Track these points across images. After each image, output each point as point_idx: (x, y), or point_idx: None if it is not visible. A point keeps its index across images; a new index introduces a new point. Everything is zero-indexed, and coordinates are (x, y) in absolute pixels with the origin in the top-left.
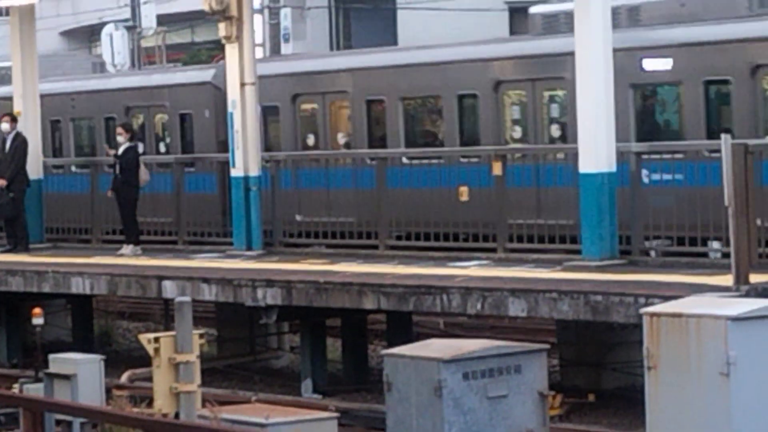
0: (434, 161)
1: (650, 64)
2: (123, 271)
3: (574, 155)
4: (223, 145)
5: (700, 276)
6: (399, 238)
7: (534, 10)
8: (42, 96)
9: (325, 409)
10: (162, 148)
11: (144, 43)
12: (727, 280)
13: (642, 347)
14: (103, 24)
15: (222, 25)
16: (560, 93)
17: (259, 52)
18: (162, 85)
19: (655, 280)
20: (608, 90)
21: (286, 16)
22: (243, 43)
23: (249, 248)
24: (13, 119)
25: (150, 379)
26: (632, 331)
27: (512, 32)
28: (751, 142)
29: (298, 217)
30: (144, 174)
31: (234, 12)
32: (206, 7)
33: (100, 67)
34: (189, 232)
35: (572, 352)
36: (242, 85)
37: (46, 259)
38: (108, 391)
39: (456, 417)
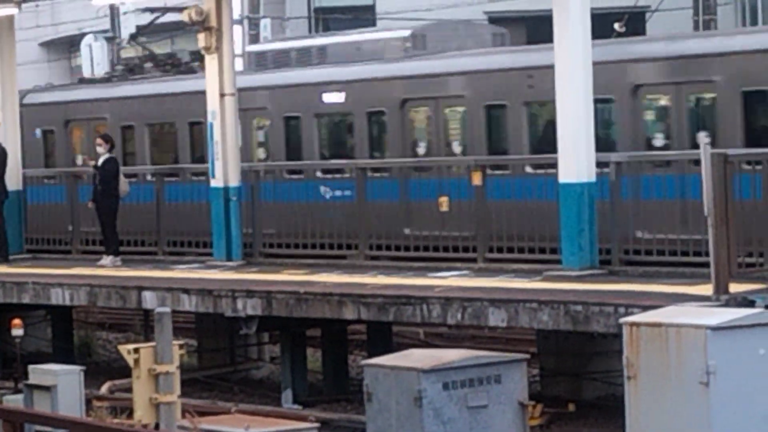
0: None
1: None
2: (103, 281)
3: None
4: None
5: (679, 286)
6: (379, 248)
7: None
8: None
9: (305, 419)
10: None
11: (123, 54)
12: (707, 289)
13: (622, 357)
14: (83, 35)
15: (201, 36)
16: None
17: (238, 63)
18: None
19: (635, 289)
20: (587, 101)
21: (265, 26)
22: (222, 54)
23: (229, 259)
24: None
25: (130, 390)
26: (612, 341)
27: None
28: (731, 151)
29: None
30: (124, 185)
31: (213, 23)
32: (186, 18)
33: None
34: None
35: (552, 361)
36: (222, 95)
37: (26, 269)
38: (88, 402)
39: (436, 427)
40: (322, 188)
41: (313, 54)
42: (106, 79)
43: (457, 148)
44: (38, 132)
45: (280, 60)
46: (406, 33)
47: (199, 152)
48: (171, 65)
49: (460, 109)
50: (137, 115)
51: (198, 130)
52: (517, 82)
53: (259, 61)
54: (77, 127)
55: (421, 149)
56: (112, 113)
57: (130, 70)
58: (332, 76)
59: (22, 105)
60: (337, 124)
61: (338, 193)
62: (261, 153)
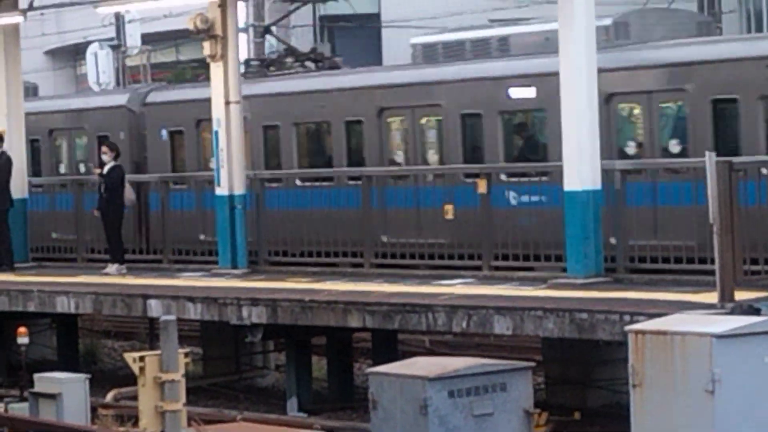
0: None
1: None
2: (108, 290)
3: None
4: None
5: (685, 293)
6: (384, 256)
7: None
8: None
9: (310, 427)
10: None
11: (129, 62)
12: (712, 297)
13: (627, 365)
14: (88, 43)
15: (207, 44)
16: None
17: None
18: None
19: (640, 297)
20: (592, 108)
21: None
22: (228, 62)
23: (234, 267)
24: None
25: (135, 398)
26: (617, 349)
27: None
28: (736, 159)
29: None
30: (129, 193)
31: (219, 31)
32: (191, 26)
33: None
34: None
35: (558, 369)
36: (227, 103)
37: (31, 278)
38: (93, 410)
39: None
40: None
41: (492, 45)
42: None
43: (675, 148)
44: (164, 133)
45: (453, 52)
46: (608, 21)
47: (356, 156)
48: (313, 60)
49: (676, 105)
50: (283, 114)
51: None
52: (752, 73)
53: (427, 54)
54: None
55: (631, 149)
56: (253, 112)
57: (267, 66)
58: (520, 69)
59: (144, 104)
60: (525, 122)
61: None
62: (432, 155)
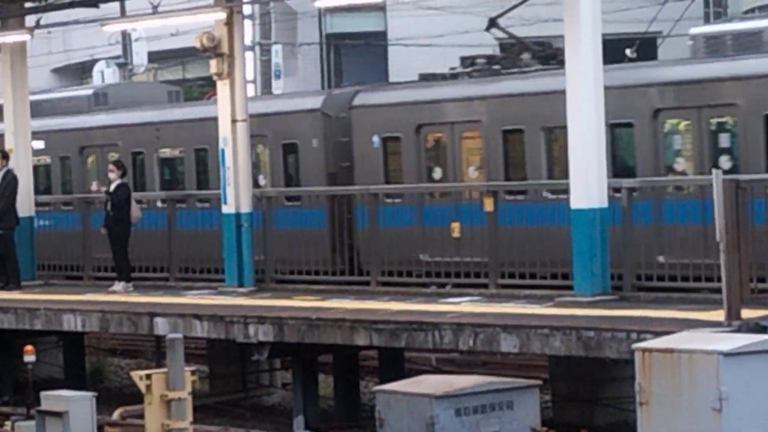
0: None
1: None
2: (115, 308)
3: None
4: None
5: (691, 311)
6: (391, 274)
7: None
8: None
9: None
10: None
11: (135, 80)
12: (719, 315)
13: (634, 383)
14: (95, 61)
15: (213, 62)
16: None
17: (250, 89)
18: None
19: (647, 315)
20: (599, 126)
21: (277, 52)
22: (234, 80)
23: (241, 285)
24: (5, 156)
25: (142, 416)
26: (624, 367)
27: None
28: (743, 177)
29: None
30: (136, 211)
31: (225, 49)
32: (197, 44)
33: None
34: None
35: (564, 387)
36: (233, 121)
37: (38, 296)
38: (100, 428)
39: None
40: None
41: None
42: (471, 73)
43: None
44: (376, 139)
45: (744, 44)
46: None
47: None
48: (546, 57)
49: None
50: (528, 116)
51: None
52: None
53: (710, 47)
54: (435, 132)
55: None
56: (489, 115)
57: (494, 64)
58: None
59: (351, 107)
60: None
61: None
62: (725, 162)
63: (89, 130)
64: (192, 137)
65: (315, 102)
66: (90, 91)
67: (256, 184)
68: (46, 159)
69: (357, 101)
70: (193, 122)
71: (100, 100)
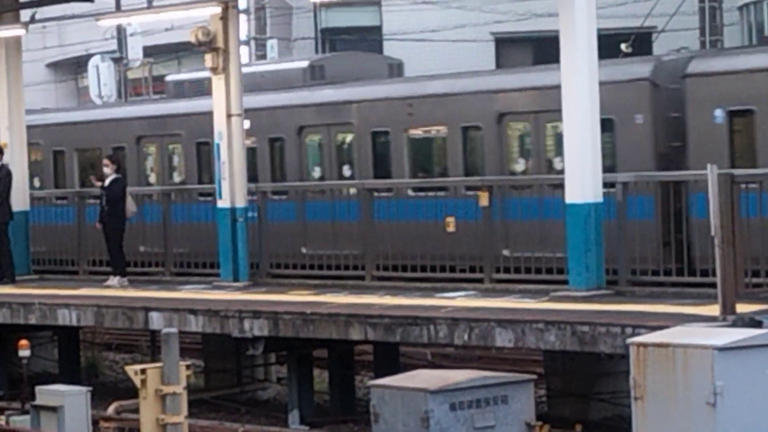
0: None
1: None
2: (110, 302)
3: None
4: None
5: (686, 306)
6: (386, 269)
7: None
8: None
9: None
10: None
11: (130, 75)
12: (714, 310)
13: (629, 377)
14: (90, 56)
15: (208, 57)
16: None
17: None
18: None
19: (642, 310)
20: (594, 121)
21: (272, 47)
22: (230, 75)
23: (236, 279)
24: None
25: (137, 410)
26: (619, 362)
27: (498, 63)
28: (737, 171)
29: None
30: (131, 205)
31: (220, 43)
32: (193, 39)
33: None
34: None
35: (559, 382)
36: (229, 116)
37: (33, 290)
38: (95, 422)
39: None
40: None
41: None
42: None
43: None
44: (719, 114)
45: None
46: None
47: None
48: None
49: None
50: None
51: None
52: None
53: None
54: None
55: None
56: None
57: None
58: None
59: (685, 75)
60: None
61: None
62: None
63: (308, 107)
64: (458, 113)
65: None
66: (305, 63)
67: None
68: (251, 141)
69: (692, 68)
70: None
71: (317, 73)
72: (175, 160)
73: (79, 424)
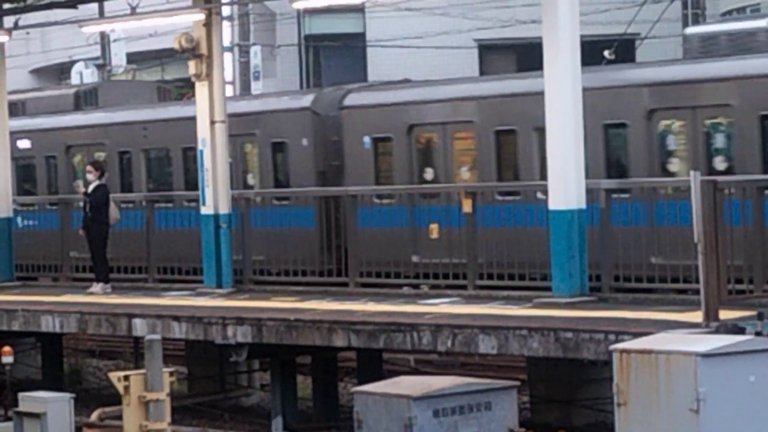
0: None
1: None
2: (93, 309)
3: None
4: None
5: (669, 312)
6: (369, 275)
7: None
8: None
9: None
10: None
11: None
12: (697, 316)
13: (612, 384)
14: (74, 62)
15: (192, 63)
16: None
17: (228, 90)
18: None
19: (625, 316)
20: (577, 128)
21: (256, 54)
22: (213, 81)
23: (219, 286)
24: None
25: (120, 417)
26: (602, 368)
27: (481, 70)
28: (720, 178)
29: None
30: (114, 212)
31: (204, 50)
32: (176, 45)
33: None
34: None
35: (542, 388)
36: (212, 122)
37: (16, 297)
38: (78, 429)
39: None
40: None
41: None
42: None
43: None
44: (367, 140)
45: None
46: None
47: None
48: None
49: None
50: None
51: None
52: None
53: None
54: None
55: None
56: None
57: None
58: None
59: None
60: None
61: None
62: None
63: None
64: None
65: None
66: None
67: None
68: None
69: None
70: None
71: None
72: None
73: (62, 431)
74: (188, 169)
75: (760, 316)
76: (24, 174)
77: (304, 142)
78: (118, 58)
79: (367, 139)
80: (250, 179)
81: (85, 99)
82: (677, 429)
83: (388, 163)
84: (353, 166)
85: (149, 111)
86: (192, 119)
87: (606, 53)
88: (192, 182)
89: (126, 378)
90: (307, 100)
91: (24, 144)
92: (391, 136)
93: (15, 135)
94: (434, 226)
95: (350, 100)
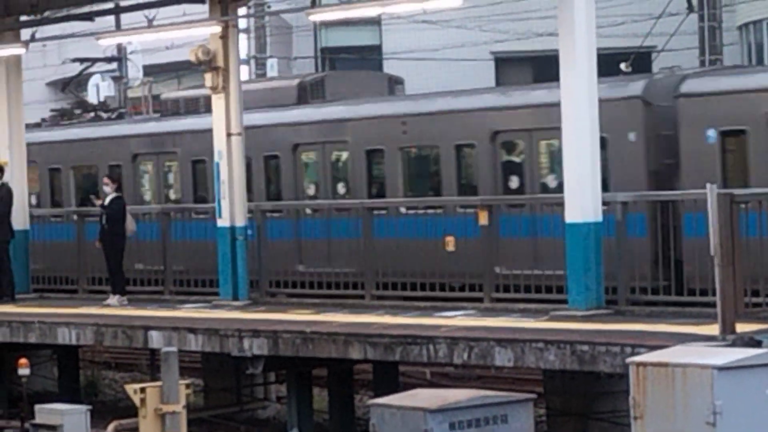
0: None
1: None
2: (109, 321)
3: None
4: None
5: (686, 325)
6: (385, 287)
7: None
8: None
9: None
10: None
11: (130, 94)
12: (714, 329)
13: (628, 397)
14: (90, 74)
15: (208, 76)
16: None
17: None
18: None
19: (642, 329)
20: (594, 141)
21: (272, 66)
22: (229, 94)
23: (235, 298)
24: (0, 170)
25: (136, 429)
26: (619, 381)
27: (498, 81)
28: (737, 191)
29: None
30: (130, 224)
31: (220, 62)
32: (193, 58)
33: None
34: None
35: (559, 401)
36: (228, 135)
37: (33, 309)
38: None
39: None
40: None
41: None
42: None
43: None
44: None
45: None
46: None
47: None
48: None
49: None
50: None
51: None
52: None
53: None
54: None
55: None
56: None
57: None
58: None
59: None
60: None
61: None
62: None
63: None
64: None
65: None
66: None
67: None
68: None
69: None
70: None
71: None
72: None
73: None
74: (461, 168)
75: None
76: None
77: (632, 137)
78: (134, 71)
79: (711, 133)
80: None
81: (312, 91)
82: None
83: (739, 162)
84: (691, 164)
85: (409, 103)
86: (465, 112)
87: (622, 66)
88: (464, 185)
89: (142, 390)
90: (636, 87)
91: None
92: (746, 128)
93: None
94: (450, 239)
95: (689, 86)
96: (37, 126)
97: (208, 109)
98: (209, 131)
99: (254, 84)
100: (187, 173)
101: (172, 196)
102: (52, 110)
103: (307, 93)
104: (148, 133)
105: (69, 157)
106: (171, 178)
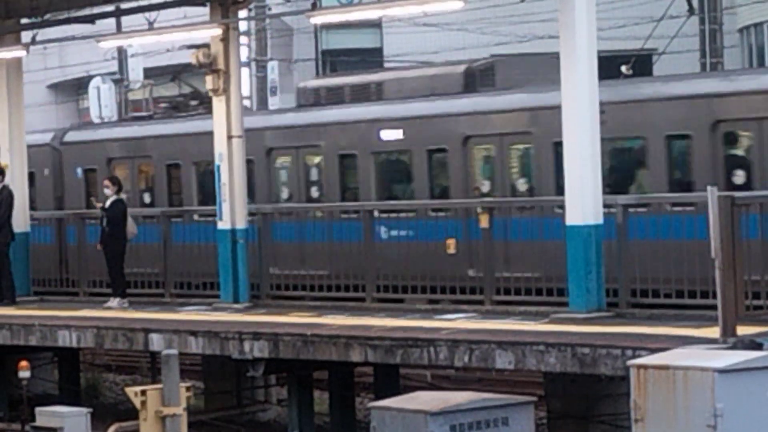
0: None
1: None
2: (110, 324)
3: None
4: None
5: (687, 328)
6: (386, 290)
7: None
8: None
9: None
10: None
11: (131, 96)
12: (714, 332)
13: (629, 400)
14: (91, 77)
15: (209, 78)
16: None
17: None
18: None
19: (642, 332)
20: (594, 143)
21: (273, 69)
22: (230, 96)
23: (236, 301)
24: (0, 172)
25: None
26: (619, 384)
27: None
28: (737, 194)
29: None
30: (131, 227)
31: (221, 65)
32: (194, 61)
33: None
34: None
35: (559, 404)
36: (229, 137)
37: (33, 311)
38: None
39: None
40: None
41: None
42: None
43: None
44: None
45: None
46: None
47: None
48: None
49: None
50: None
51: None
52: None
53: None
54: None
55: None
56: None
57: None
58: None
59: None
60: None
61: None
62: None
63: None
64: None
65: None
66: None
67: None
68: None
69: None
70: None
71: None
72: None
73: None
74: (671, 162)
75: None
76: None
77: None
78: (135, 73)
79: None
80: None
81: (481, 79)
82: None
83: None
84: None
85: (608, 90)
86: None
87: (623, 68)
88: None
89: (143, 393)
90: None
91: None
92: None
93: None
94: (451, 242)
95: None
96: (149, 118)
97: (356, 99)
98: (362, 122)
99: (402, 72)
100: (333, 168)
101: (314, 194)
102: (160, 99)
103: (476, 80)
104: (287, 125)
105: (189, 151)
106: (313, 173)
